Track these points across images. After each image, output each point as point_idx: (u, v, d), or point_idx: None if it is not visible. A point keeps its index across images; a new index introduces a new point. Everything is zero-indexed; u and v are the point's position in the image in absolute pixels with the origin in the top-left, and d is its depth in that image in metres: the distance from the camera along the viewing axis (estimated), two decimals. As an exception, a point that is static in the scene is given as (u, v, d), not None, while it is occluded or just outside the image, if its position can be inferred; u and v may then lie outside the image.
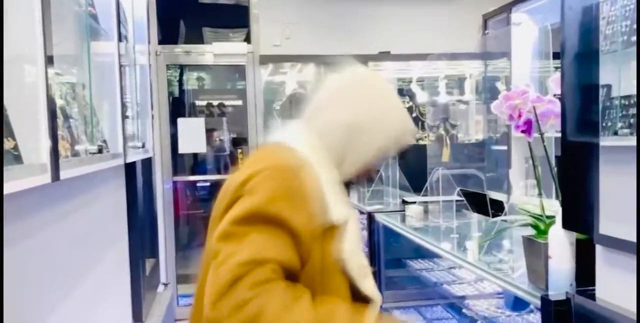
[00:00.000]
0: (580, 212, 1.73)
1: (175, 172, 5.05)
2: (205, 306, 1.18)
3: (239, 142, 5.21)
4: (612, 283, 1.61)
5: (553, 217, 1.97)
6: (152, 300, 2.97)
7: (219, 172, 5.25)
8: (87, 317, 1.77)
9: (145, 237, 2.91)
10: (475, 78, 5.30)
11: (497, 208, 3.27)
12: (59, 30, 1.38)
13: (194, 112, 5.31)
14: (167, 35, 5.16)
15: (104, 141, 2.06)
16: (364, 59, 5.09)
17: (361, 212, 4.07)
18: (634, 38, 1.46)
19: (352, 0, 5.18)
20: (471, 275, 3.39)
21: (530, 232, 2.12)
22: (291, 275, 1.24)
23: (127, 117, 2.38)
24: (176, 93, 5.33)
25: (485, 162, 4.85)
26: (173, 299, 4.19)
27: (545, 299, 1.81)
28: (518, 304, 2.87)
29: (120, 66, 2.28)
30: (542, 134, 2.10)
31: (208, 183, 5.39)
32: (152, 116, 3.56)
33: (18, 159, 1.12)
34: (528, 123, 2.12)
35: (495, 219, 3.07)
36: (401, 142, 1.48)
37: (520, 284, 2.13)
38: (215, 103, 5.32)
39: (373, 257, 3.91)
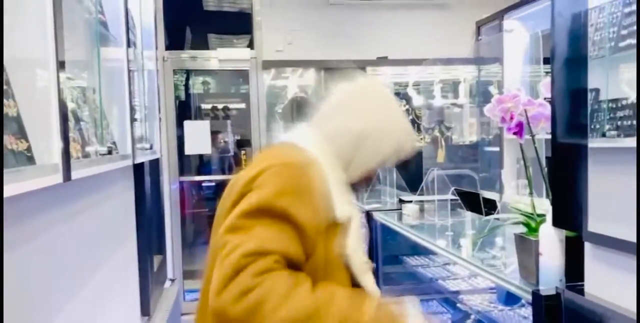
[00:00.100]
0: (569, 210, 1.73)
1: (182, 172, 5.04)
2: (210, 295, 1.18)
3: (243, 143, 5.21)
4: (600, 279, 1.61)
5: (543, 215, 1.97)
6: (160, 295, 2.96)
7: (223, 173, 5.25)
8: (97, 311, 1.77)
9: (153, 234, 2.91)
10: (469, 82, 5.30)
11: (490, 207, 3.27)
12: (70, 37, 1.38)
13: (199, 115, 5.31)
14: (174, 41, 5.16)
15: (114, 143, 2.06)
16: (363, 64, 5.09)
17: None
18: (622, 44, 1.46)
19: (352, 7, 5.18)
20: (465, 271, 3.39)
21: (522, 229, 2.12)
22: (295, 268, 1.25)
23: (135, 119, 2.38)
24: (182, 97, 5.33)
25: (478, 162, 4.85)
26: (179, 294, 4.19)
27: (536, 294, 1.81)
28: (510, 299, 2.87)
29: (129, 71, 2.28)
30: (533, 136, 2.10)
31: (213, 183, 5.39)
32: (160, 119, 3.55)
33: (31, 159, 1.12)
34: (520, 125, 2.12)
35: (488, 217, 3.08)
36: (403, 151, 1.50)
37: (512, 280, 2.13)
38: (220, 106, 5.32)
39: (371, 253, 3.91)
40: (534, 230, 2.03)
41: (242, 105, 5.29)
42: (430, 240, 3.17)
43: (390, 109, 1.52)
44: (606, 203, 1.53)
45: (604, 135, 1.51)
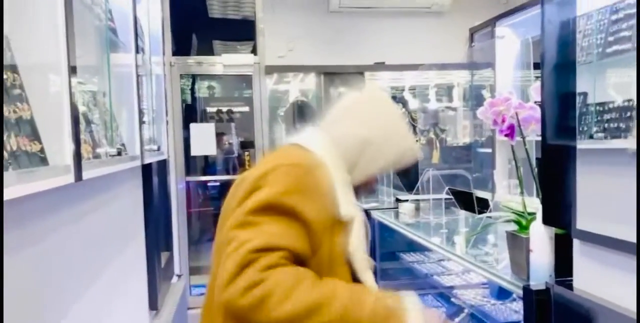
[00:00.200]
0: (559, 209, 1.73)
1: (188, 172, 5.04)
2: (218, 289, 1.18)
3: (246, 145, 5.21)
4: (588, 274, 1.61)
5: (534, 213, 1.97)
6: (167, 290, 2.96)
7: (227, 173, 5.25)
8: (107, 306, 1.77)
9: (161, 232, 2.91)
10: (462, 86, 5.30)
11: (483, 205, 3.27)
12: (81, 43, 1.38)
13: (205, 117, 5.30)
14: (181, 47, 5.16)
15: (123, 144, 2.05)
16: (361, 69, 5.10)
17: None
18: (609, 49, 1.46)
19: (350, 15, 5.18)
20: (459, 267, 3.39)
21: (513, 227, 2.12)
22: (301, 264, 1.25)
23: (144, 122, 2.38)
24: (189, 100, 5.33)
25: (471, 163, 4.85)
26: (186, 289, 4.19)
27: (527, 289, 1.81)
28: (502, 294, 2.87)
29: (138, 76, 2.28)
30: (523, 138, 2.10)
31: (218, 183, 5.39)
32: (167, 121, 3.55)
33: (44, 161, 1.12)
34: (511, 128, 2.12)
35: (481, 216, 3.07)
36: (404, 160, 1.51)
37: (504, 275, 2.13)
38: (224, 109, 5.31)
39: (369, 250, 3.90)
40: (524, 228, 2.03)
41: (246, 109, 5.29)
42: (426, 237, 3.17)
43: (395, 119, 1.53)
44: (594, 202, 1.53)
45: (591, 137, 1.51)
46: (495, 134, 3.78)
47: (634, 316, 1.39)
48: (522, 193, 2.14)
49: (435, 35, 5.20)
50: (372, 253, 3.92)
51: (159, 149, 2.74)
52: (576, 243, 1.65)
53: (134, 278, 2.26)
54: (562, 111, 1.68)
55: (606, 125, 1.45)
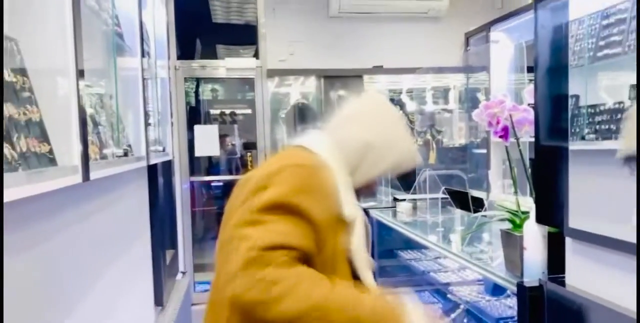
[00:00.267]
0: (551, 208, 1.73)
1: (192, 173, 5.04)
2: (229, 281, 1.16)
3: (249, 146, 5.20)
4: (580, 272, 1.61)
5: (527, 212, 1.97)
6: (172, 286, 2.96)
7: (230, 173, 5.24)
8: (114, 302, 1.77)
9: (166, 230, 2.91)
10: (458, 89, 5.30)
11: (478, 204, 3.28)
12: (89, 47, 1.38)
13: (208, 119, 5.30)
14: (185, 51, 5.16)
15: (129, 145, 2.05)
16: (360, 73, 5.10)
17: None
18: (600, 53, 1.46)
19: (349, 20, 5.18)
20: (455, 264, 3.39)
21: (507, 226, 2.12)
22: (307, 262, 1.25)
23: (149, 124, 2.38)
24: (193, 103, 5.33)
25: (467, 163, 4.86)
26: (190, 286, 4.19)
27: (520, 285, 1.81)
28: (496, 290, 2.87)
29: (143, 79, 2.28)
30: (517, 139, 2.11)
31: (221, 183, 5.38)
32: (172, 123, 3.55)
33: (53, 161, 1.12)
34: (505, 129, 2.12)
35: (476, 214, 3.08)
36: (404, 165, 1.51)
37: (498, 272, 2.13)
38: (227, 112, 5.31)
39: (370, 250, 3.90)
40: (518, 226, 2.03)
41: (248, 111, 5.28)
42: (423, 235, 3.17)
43: (397, 126, 1.53)
44: (586, 202, 1.53)
45: (583, 138, 1.51)
46: (490, 135, 3.79)
47: (626, 312, 1.39)
48: (516, 192, 2.14)
49: (432, 40, 5.20)
50: (371, 251, 3.92)
51: (164, 150, 2.74)
52: (568, 241, 1.65)
53: (140, 275, 2.26)
54: (555, 113, 1.68)
55: (597, 126, 1.45)
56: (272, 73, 5.06)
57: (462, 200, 3.63)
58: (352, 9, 5.05)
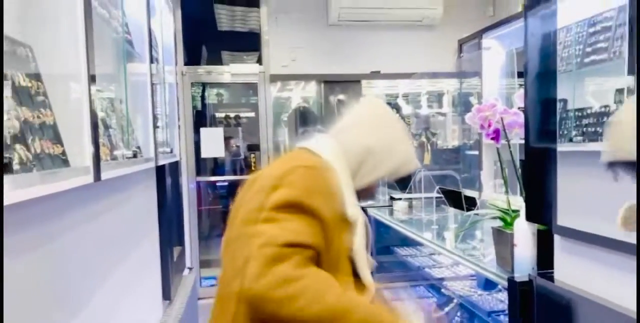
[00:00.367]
0: (541, 206, 1.73)
1: (198, 173, 5.04)
2: (247, 278, 1.15)
3: (252, 148, 5.21)
4: (568, 267, 1.61)
5: (518, 211, 1.97)
6: (179, 281, 2.96)
7: (235, 174, 5.24)
8: (125, 296, 1.77)
9: (173, 228, 2.91)
10: (451, 93, 5.30)
11: (471, 203, 3.27)
12: (100, 54, 1.38)
13: (214, 122, 5.30)
14: (191, 57, 5.16)
15: (138, 147, 2.05)
16: (358, 78, 5.10)
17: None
18: (587, 59, 1.46)
19: (348, 28, 5.18)
20: (449, 260, 3.39)
21: (499, 223, 2.12)
22: (317, 259, 1.25)
23: (157, 127, 2.38)
24: (199, 107, 5.33)
25: (460, 164, 4.86)
26: (197, 281, 4.18)
27: (511, 280, 1.81)
28: (488, 285, 2.86)
29: (152, 84, 2.28)
30: (508, 141, 2.10)
31: (226, 183, 5.38)
32: (179, 126, 3.55)
33: (65, 162, 1.12)
34: (496, 132, 2.12)
35: (469, 213, 3.07)
36: (403, 169, 1.50)
37: (490, 268, 2.13)
38: (232, 115, 5.32)
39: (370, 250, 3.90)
40: (509, 224, 2.03)
41: (252, 114, 5.29)
42: (418, 233, 3.17)
43: (398, 133, 1.52)
44: (573, 200, 1.53)
45: (571, 140, 1.51)
46: (482, 137, 3.79)
47: (611, 306, 1.39)
48: (507, 192, 2.14)
49: (427, 47, 5.20)
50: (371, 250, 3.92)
51: (171, 152, 2.74)
52: (557, 238, 1.65)
53: (149, 271, 2.26)
54: (544, 116, 1.68)
55: (584, 129, 1.45)
56: (274, 78, 5.07)
57: (456, 199, 3.63)
58: (350, 17, 5.05)
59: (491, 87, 4.16)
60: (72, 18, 1.22)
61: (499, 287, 2.73)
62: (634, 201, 1.24)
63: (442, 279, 3.27)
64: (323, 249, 1.27)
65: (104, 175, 1.33)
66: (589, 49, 1.45)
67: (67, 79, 1.22)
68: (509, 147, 2.10)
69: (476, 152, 4.40)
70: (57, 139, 1.10)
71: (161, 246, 2.45)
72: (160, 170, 2.46)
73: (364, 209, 1.45)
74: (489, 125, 2.12)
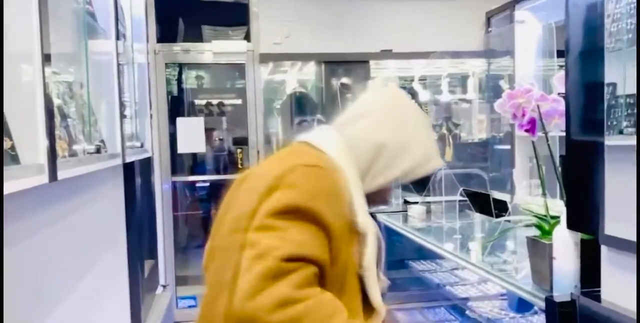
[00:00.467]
0: (585, 212, 1.73)
1: (174, 172, 5.05)
2: (238, 296, 1.15)
3: (239, 141, 5.21)
4: (617, 285, 1.61)
5: (557, 217, 1.97)
6: (151, 302, 2.97)
7: (218, 172, 5.25)
8: (85, 318, 1.77)
9: (144, 238, 2.92)
10: (478, 76, 5.30)
11: (501, 208, 3.28)
12: (56, 28, 1.38)
13: (193, 111, 5.31)
14: (166, 33, 5.16)
15: (102, 141, 2.06)
16: (366, 57, 5.10)
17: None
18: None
19: (353, -3, 5.18)
20: (474, 277, 3.40)
21: (534, 232, 2.12)
22: (320, 275, 1.24)
23: (125, 116, 2.39)
24: (175, 92, 5.34)
25: (488, 161, 4.86)
26: (172, 301, 4.20)
27: (549, 300, 1.82)
28: (522, 306, 2.87)
29: (118, 65, 2.28)
30: (546, 133, 2.10)
31: (207, 184, 5.39)
32: (151, 115, 3.56)
33: (15, 159, 1.12)
34: (532, 122, 2.12)
35: (498, 219, 3.08)
36: (422, 170, 1.49)
37: (524, 285, 2.14)
38: (214, 102, 5.32)
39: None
40: (547, 233, 2.03)
41: (238, 101, 5.29)
42: (438, 243, 3.17)
43: (415, 126, 1.50)
44: (624, 205, 1.53)
45: (621, 132, 1.51)
46: (515, 129, 3.79)
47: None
48: (544, 194, 2.14)
49: (448, 20, 5.20)
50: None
51: (142, 146, 2.75)
52: (604, 250, 1.65)
53: (115, 288, 2.26)
54: (589, 103, 1.68)
55: (638, 119, 1.45)
56: (265, 58, 5.06)
57: (483, 203, 3.64)
58: (356, -15, 5.06)
59: (525, 68, 4.15)
60: (22, -15, 1.22)
61: (535, 308, 2.73)
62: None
63: (466, 299, 3.28)
64: (328, 263, 1.26)
65: (61, 175, 1.33)
66: (643, 23, 1.44)
67: (16, 59, 1.22)
68: (547, 141, 2.10)
69: (507, 147, 4.40)
70: (5, 131, 1.10)
71: (129, 259, 2.45)
72: (128, 169, 2.46)
73: (373, 216, 1.44)
74: (523, 115, 2.12)
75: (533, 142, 2.19)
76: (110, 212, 2.24)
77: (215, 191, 5.20)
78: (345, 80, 5.13)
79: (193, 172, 5.30)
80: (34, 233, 1.34)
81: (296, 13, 5.12)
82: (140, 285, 2.52)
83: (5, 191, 1.01)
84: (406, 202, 4.25)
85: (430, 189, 4.06)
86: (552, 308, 1.79)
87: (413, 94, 5.39)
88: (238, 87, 5.35)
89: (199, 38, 5.34)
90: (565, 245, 1.88)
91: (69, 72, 1.75)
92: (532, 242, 2.09)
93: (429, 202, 4.07)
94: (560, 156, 2.04)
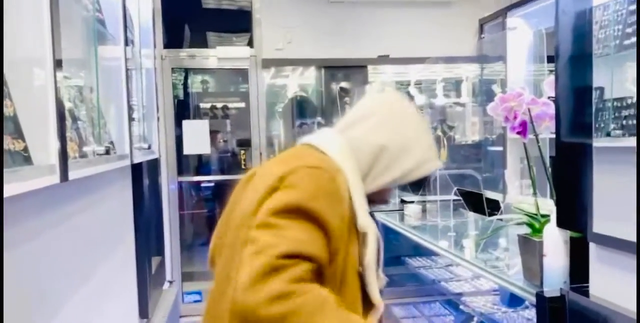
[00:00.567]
0: (574, 211, 1.73)
1: (180, 172, 5.05)
2: (237, 290, 1.15)
3: (242, 143, 5.21)
4: (605, 281, 1.61)
5: (548, 215, 1.97)
6: (158, 297, 2.96)
7: (222, 173, 5.25)
8: (95, 313, 1.77)
9: (151, 235, 2.91)
10: (471, 81, 5.30)
11: (493, 207, 3.28)
12: (67, 35, 1.38)
13: (198, 114, 5.31)
14: (172, 39, 5.16)
15: (111, 143, 2.06)
16: (364, 62, 5.10)
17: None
18: (627, 42, 1.46)
19: (352, 5, 5.18)
20: (468, 273, 3.40)
21: (526, 230, 2.12)
22: (319, 274, 1.24)
23: (133, 119, 2.38)
24: (181, 96, 5.34)
25: (481, 162, 4.85)
26: (178, 296, 4.19)
27: (540, 296, 1.82)
28: (514, 301, 2.87)
29: (127, 70, 2.28)
30: (536, 135, 2.11)
31: (212, 184, 5.39)
32: (158, 118, 3.55)
33: (28, 160, 1.12)
34: (523, 124, 2.12)
35: (491, 218, 3.08)
36: (422, 171, 1.48)
37: (515, 281, 2.14)
38: (219, 105, 5.32)
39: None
40: (537, 231, 2.03)
41: (242, 105, 5.29)
42: (433, 241, 3.17)
43: (414, 128, 1.50)
44: (611, 204, 1.53)
45: (608, 134, 1.51)
46: (507, 131, 3.79)
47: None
48: (535, 194, 2.14)
49: (443, 26, 5.20)
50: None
51: (149, 148, 2.74)
52: (592, 247, 1.65)
53: (123, 284, 2.26)
54: (578, 107, 1.68)
55: (624, 121, 1.45)
56: (267, 63, 5.06)
57: (476, 203, 3.63)
58: (355, -7, 5.06)
59: (517, 73, 4.15)
60: (34, -6, 1.22)
61: (526, 303, 2.73)
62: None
63: (460, 294, 3.28)
64: (327, 262, 1.26)
65: (72, 175, 1.33)
66: (629, 30, 1.45)
67: (29, 64, 1.22)
68: (538, 142, 2.11)
69: (500, 148, 4.40)
70: (18, 133, 1.10)
71: (137, 256, 2.45)
72: (136, 169, 2.46)
73: (372, 215, 1.44)
74: (515, 117, 2.12)
75: (524, 144, 2.19)
76: (119, 211, 2.23)
77: (220, 191, 5.21)
78: (344, 84, 5.13)
79: (198, 173, 5.30)
80: (45, 232, 1.34)
81: (297, 20, 5.13)
82: (147, 281, 2.52)
83: (18, 191, 1.01)
84: (403, 201, 4.25)
85: (426, 189, 4.06)
86: (543, 303, 1.80)
87: (409, 98, 5.38)
88: (241, 91, 5.35)
89: (204, 44, 5.34)
90: (555, 242, 1.88)
91: (79, 76, 1.75)
92: (524, 240, 2.09)
93: (424, 201, 4.07)
94: (551, 157, 2.04)
